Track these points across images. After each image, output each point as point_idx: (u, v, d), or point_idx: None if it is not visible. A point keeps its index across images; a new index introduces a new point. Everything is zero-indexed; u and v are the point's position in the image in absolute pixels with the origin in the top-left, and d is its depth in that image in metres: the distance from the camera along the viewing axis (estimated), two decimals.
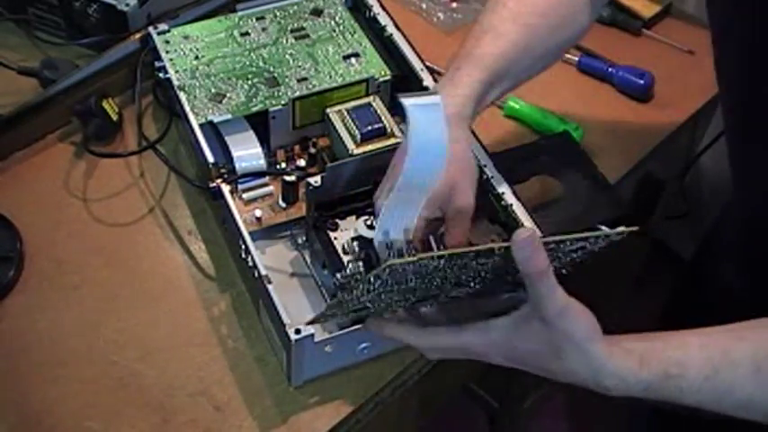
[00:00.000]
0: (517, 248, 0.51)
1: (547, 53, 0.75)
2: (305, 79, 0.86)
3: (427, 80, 0.86)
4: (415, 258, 0.50)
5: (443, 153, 0.57)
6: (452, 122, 0.67)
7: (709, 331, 0.56)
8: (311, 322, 0.66)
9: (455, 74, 0.71)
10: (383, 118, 0.83)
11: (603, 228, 0.56)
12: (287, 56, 0.88)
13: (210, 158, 0.78)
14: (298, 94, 0.84)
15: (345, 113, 0.83)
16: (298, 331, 0.67)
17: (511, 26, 0.72)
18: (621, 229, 0.56)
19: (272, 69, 0.87)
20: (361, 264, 0.67)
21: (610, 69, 1.01)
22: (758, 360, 0.54)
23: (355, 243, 0.71)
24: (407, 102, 0.56)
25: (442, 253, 0.51)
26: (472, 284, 0.56)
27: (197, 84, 0.85)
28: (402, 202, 0.59)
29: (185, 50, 0.88)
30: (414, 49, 0.88)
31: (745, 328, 0.56)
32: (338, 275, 0.70)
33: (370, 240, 0.61)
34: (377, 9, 0.93)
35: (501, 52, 0.71)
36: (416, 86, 0.86)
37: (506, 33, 0.71)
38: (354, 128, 0.82)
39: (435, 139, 0.56)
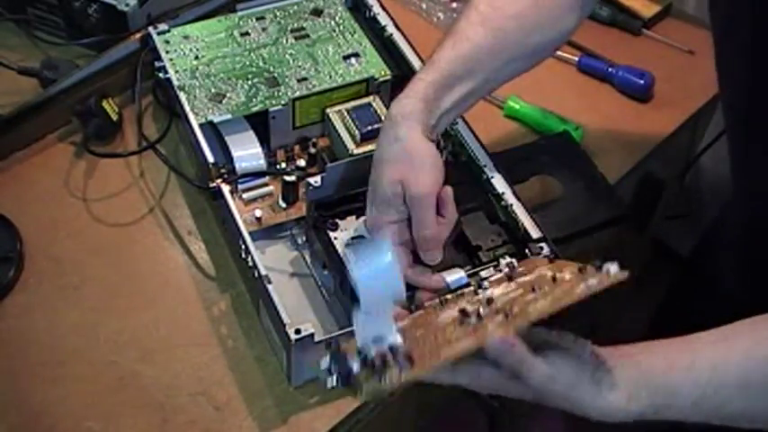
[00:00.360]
0: (491, 353, 0.54)
1: (524, 54, 0.74)
2: (305, 79, 0.86)
3: None
4: (379, 390, 0.53)
5: (395, 280, 0.58)
6: (397, 122, 0.69)
7: (696, 345, 0.57)
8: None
9: (413, 78, 0.72)
10: (383, 118, 0.83)
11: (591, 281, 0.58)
12: (287, 56, 0.88)
13: (210, 158, 0.78)
14: (298, 94, 0.84)
15: (345, 113, 0.84)
16: (298, 331, 0.67)
17: (478, 29, 0.71)
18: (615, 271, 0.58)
19: (272, 69, 0.87)
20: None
21: (610, 69, 1.01)
22: (747, 373, 0.55)
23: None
24: (347, 250, 0.58)
25: (412, 378, 0.53)
26: None
27: (197, 84, 0.85)
28: (371, 320, 0.59)
29: (185, 50, 0.88)
30: (414, 49, 0.88)
31: (733, 334, 0.57)
32: None
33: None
34: (377, 9, 0.93)
35: (459, 54, 0.71)
36: None
37: (471, 36, 0.71)
38: (354, 128, 0.82)
39: (383, 271, 0.58)
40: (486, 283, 0.63)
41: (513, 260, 0.69)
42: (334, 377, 0.56)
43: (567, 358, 0.56)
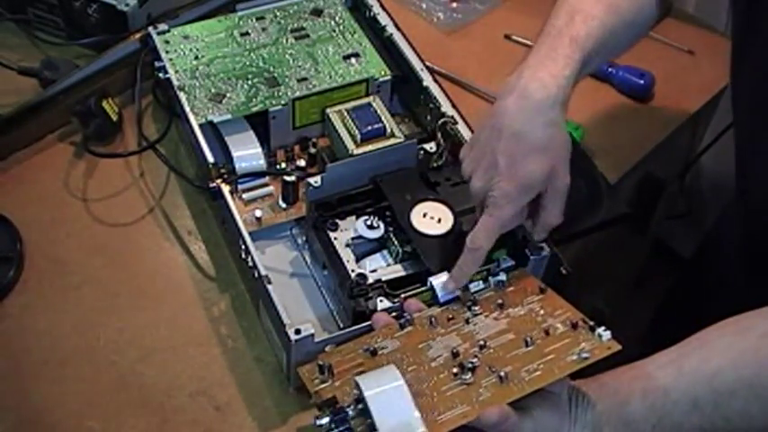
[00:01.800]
0: (485, 424, 0.57)
1: (628, 37, 0.74)
2: (305, 79, 0.86)
3: (427, 80, 0.86)
4: None
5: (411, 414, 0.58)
6: (550, 105, 0.65)
7: (649, 369, 0.60)
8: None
9: (553, 53, 0.68)
10: (383, 118, 0.83)
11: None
12: (287, 56, 0.88)
13: (210, 158, 0.78)
14: (298, 94, 0.84)
15: (345, 113, 0.84)
16: (298, 331, 0.67)
17: (600, 7, 0.70)
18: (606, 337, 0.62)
19: (272, 69, 0.87)
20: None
21: (610, 69, 1.01)
22: (695, 394, 0.57)
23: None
24: (367, 393, 0.57)
25: None
26: None
27: (197, 84, 0.85)
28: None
29: (185, 50, 0.88)
30: (414, 49, 0.88)
31: (685, 355, 0.60)
32: None
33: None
34: (377, 9, 0.93)
35: (592, 34, 0.69)
36: (417, 86, 0.86)
37: (596, 14, 0.70)
38: (354, 128, 0.82)
39: (401, 410, 0.58)
40: (476, 308, 0.65)
41: (503, 277, 0.70)
42: None
43: (548, 408, 0.59)
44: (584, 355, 0.60)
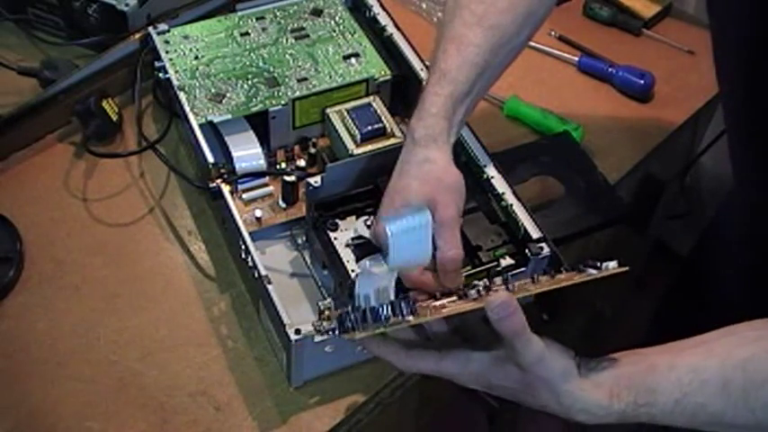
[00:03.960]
0: (491, 312, 0.53)
1: (520, 43, 0.74)
2: (305, 79, 0.86)
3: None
4: (382, 330, 0.54)
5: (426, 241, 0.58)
6: (423, 144, 0.68)
7: (679, 348, 0.57)
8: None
9: (424, 94, 0.71)
10: (383, 118, 0.83)
11: (591, 270, 0.58)
12: (287, 56, 0.88)
13: (210, 158, 0.78)
14: (298, 94, 0.84)
15: (345, 113, 0.84)
16: (298, 331, 0.67)
17: (477, 30, 0.70)
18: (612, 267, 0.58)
19: (272, 69, 0.87)
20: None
21: (610, 69, 1.01)
22: (726, 375, 0.55)
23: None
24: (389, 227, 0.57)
25: (411, 323, 0.54)
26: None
27: (197, 84, 0.85)
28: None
29: (185, 50, 0.88)
30: (414, 49, 0.88)
31: (713, 340, 0.57)
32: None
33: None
34: (377, 9, 0.93)
35: (467, 61, 0.70)
36: (416, 86, 0.86)
37: (472, 39, 0.70)
38: (354, 128, 0.82)
39: (419, 250, 0.58)
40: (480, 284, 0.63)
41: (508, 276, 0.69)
42: (333, 323, 0.56)
43: (558, 347, 0.56)
44: (592, 272, 0.58)
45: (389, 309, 0.55)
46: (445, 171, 0.68)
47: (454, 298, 0.58)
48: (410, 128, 0.70)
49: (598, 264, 0.59)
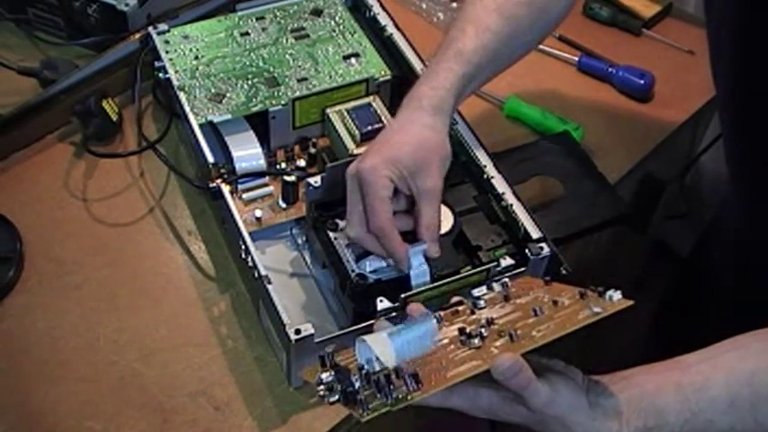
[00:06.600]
0: (498, 375, 0.53)
1: (528, 41, 0.76)
2: (305, 79, 0.86)
3: None
4: (386, 410, 0.54)
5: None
6: (429, 112, 0.71)
7: (685, 364, 0.58)
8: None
9: (437, 67, 0.73)
10: (383, 118, 0.83)
11: (596, 309, 0.58)
12: (287, 56, 0.88)
13: (210, 158, 0.78)
14: (298, 94, 0.84)
15: (345, 113, 0.84)
16: (298, 331, 0.67)
17: (495, 17, 0.73)
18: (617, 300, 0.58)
19: (272, 69, 0.87)
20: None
21: (610, 69, 1.01)
22: (733, 391, 0.55)
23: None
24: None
25: (417, 398, 0.54)
26: None
27: (197, 84, 0.85)
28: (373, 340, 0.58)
29: (185, 50, 0.88)
30: (414, 49, 0.88)
31: (718, 355, 0.58)
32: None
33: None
34: (377, 9, 0.93)
35: (483, 45, 0.72)
36: None
37: (491, 26, 0.72)
38: (354, 128, 0.82)
39: (422, 348, 0.57)
40: (481, 302, 0.63)
41: (507, 279, 0.69)
42: (336, 394, 0.55)
43: (565, 382, 0.56)
44: (596, 309, 0.57)
45: (394, 392, 0.55)
46: (442, 143, 0.71)
47: (457, 352, 0.57)
48: (419, 93, 0.72)
49: (600, 289, 0.59)
